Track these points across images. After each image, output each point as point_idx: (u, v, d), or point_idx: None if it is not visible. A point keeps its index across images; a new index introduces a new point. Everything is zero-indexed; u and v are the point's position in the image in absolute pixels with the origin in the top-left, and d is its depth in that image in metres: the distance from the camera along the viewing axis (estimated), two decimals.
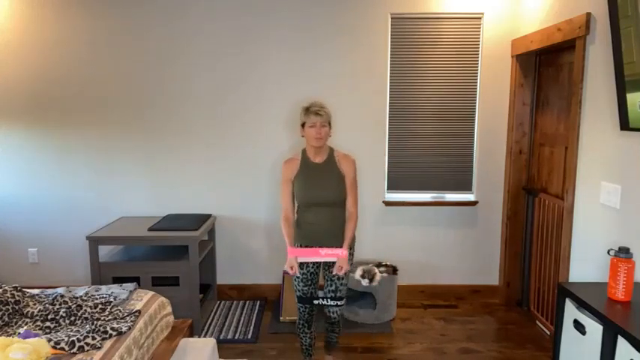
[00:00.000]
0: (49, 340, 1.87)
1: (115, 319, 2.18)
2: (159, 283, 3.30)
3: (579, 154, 2.74)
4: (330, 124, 2.53)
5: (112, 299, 2.37)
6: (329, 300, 2.59)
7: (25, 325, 2.14)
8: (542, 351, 3.15)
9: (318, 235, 2.57)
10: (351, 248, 2.63)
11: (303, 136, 2.55)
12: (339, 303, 2.61)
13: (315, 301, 2.62)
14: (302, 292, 2.63)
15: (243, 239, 3.95)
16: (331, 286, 2.60)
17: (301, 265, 2.59)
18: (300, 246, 2.60)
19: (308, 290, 2.63)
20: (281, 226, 2.59)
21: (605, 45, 2.46)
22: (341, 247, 2.53)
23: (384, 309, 3.54)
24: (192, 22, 3.70)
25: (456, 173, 3.86)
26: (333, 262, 2.55)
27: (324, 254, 2.46)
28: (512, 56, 3.67)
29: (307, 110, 2.50)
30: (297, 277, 2.60)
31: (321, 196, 2.52)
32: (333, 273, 2.52)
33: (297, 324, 2.74)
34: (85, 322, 2.15)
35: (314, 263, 2.62)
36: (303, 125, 2.53)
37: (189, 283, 3.30)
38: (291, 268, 2.47)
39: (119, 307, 2.30)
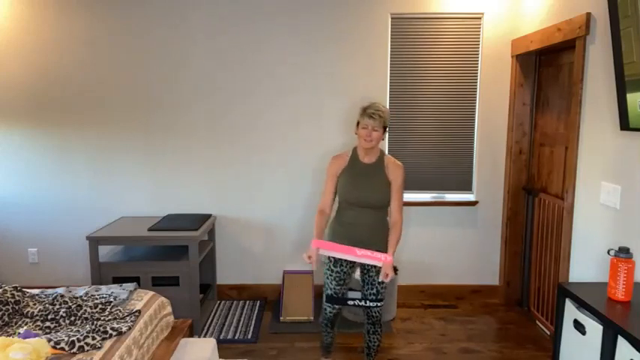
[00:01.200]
0: (49, 340, 1.87)
1: (115, 319, 2.18)
2: (159, 283, 3.30)
3: (579, 154, 2.75)
4: (385, 128, 2.52)
5: (112, 299, 2.37)
6: (368, 302, 2.54)
7: (25, 325, 2.14)
8: (542, 351, 3.15)
9: (360, 236, 2.54)
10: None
11: (356, 134, 2.54)
12: (378, 304, 2.57)
13: (350, 303, 2.55)
14: (334, 290, 2.59)
15: (243, 239, 3.95)
16: (372, 289, 2.57)
17: (336, 262, 2.56)
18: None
19: (340, 290, 2.60)
20: (315, 217, 2.57)
21: (605, 45, 2.46)
22: (380, 251, 2.47)
23: (384, 309, 3.54)
24: (193, 23, 3.70)
25: (456, 173, 3.86)
26: (372, 266, 2.52)
27: (360, 254, 2.39)
28: (512, 56, 3.67)
29: (364, 111, 2.49)
30: (330, 275, 2.57)
31: (364, 196, 2.50)
32: (380, 280, 2.45)
33: (320, 322, 2.72)
34: (85, 322, 2.15)
35: (349, 263, 2.58)
36: (358, 124, 2.53)
37: (189, 283, 3.30)
38: (309, 257, 2.41)
39: (119, 307, 2.30)
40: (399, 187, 2.54)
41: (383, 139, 2.56)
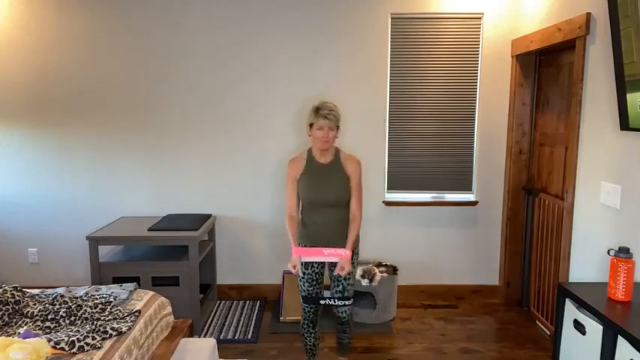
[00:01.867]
0: (49, 340, 1.87)
1: (115, 319, 2.18)
2: (159, 283, 3.30)
3: (579, 154, 2.75)
4: (338, 127, 2.49)
5: (112, 299, 2.37)
6: (336, 300, 2.57)
7: (25, 325, 2.14)
8: (542, 351, 3.15)
9: (324, 236, 2.56)
10: (355, 249, 2.61)
11: (310, 136, 2.51)
12: (346, 302, 2.58)
13: (322, 302, 2.60)
14: (307, 292, 2.62)
15: (243, 239, 3.95)
16: (338, 286, 2.59)
17: (306, 265, 2.58)
18: (305, 246, 2.59)
19: (313, 290, 2.62)
20: (285, 225, 2.58)
21: (605, 45, 2.46)
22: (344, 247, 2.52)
23: (384, 309, 3.54)
24: (193, 23, 3.70)
25: (456, 173, 3.86)
26: (336, 265, 2.54)
27: (327, 254, 2.45)
28: (512, 56, 3.67)
29: (317, 112, 2.43)
30: (302, 278, 2.59)
31: (325, 196, 2.51)
32: (335, 273, 2.51)
33: (301, 324, 2.73)
34: (85, 322, 2.15)
35: (319, 263, 2.61)
36: (311, 125, 2.47)
37: (189, 283, 3.30)
38: (294, 267, 2.44)
39: (119, 307, 2.30)
40: (357, 182, 2.55)
41: (337, 137, 2.51)
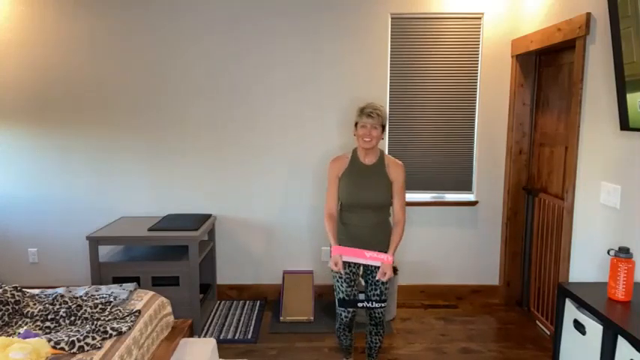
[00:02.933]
0: (49, 340, 1.87)
1: (115, 319, 2.18)
2: (159, 283, 3.30)
3: (579, 154, 2.75)
4: (383, 127, 2.51)
5: (112, 299, 2.37)
6: (374, 303, 2.53)
7: (25, 325, 2.14)
8: (542, 351, 3.15)
9: (363, 238, 2.54)
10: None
11: (355, 135, 2.54)
12: (383, 305, 2.56)
13: (360, 304, 2.54)
14: (346, 293, 2.57)
15: (243, 239, 3.95)
16: (376, 290, 2.58)
17: (345, 265, 2.55)
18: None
19: (351, 292, 2.59)
20: (324, 223, 2.56)
21: (605, 45, 2.46)
22: (385, 252, 2.49)
23: (385, 309, 3.53)
24: (194, 23, 3.70)
25: (456, 173, 3.86)
26: (376, 267, 2.53)
27: (368, 257, 2.41)
28: (512, 56, 3.67)
29: (361, 111, 2.49)
30: (341, 278, 2.56)
31: (366, 197, 2.50)
32: (377, 278, 2.46)
33: (337, 328, 2.69)
34: (85, 322, 2.15)
35: (356, 264, 2.58)
36: (356, 125, 2.52)
37: (189, 283, 3.30)
38: (336, 264, 2.41)
39: (119, 307, 2.30)
40: (401, 187, 2.54)
41: (382, 139, 2.56)
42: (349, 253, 2.42)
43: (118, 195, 3.89)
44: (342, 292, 2.57)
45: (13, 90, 3.77)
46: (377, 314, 2.62)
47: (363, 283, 2.75)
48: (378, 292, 2.58)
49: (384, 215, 2.57)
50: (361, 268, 2.66)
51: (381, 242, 2.55)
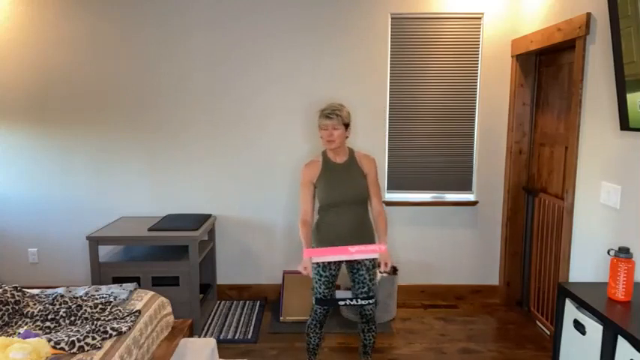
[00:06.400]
0: (49, 340, 1.87)
1: (115, 319, 2.18)
2: (159, 283, 3.30)
3: (579, 154, 2.75)
4: (346, 125, 2.53)
5: (112, 299, 2.37)
6: (359, 300, 2.54)
7: (25, 325, 2.14)
8: (542, 351, 3.15)
9: (342, 235, 2.55)
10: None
11: (321, 138, 2.56)
12: (370, 301, 2.57)
13: (342, 303, 2.54)
14: (323, 294, 2.59)
15: (243, 239, 3.95)
16: (363, 287, 2.58)
17: (324, 267, 2.56)
18: (317, 247, 2.56)
19: (329, 293, 2.61)
20: (298, 229, 2.57)
21: (605, 45, 2.46)
22: (370, 243, 2.51)
23: (384, 309, 3.54)
24: (194, 23, 3.70)
25: (456, 173, 3.86)
26: (362, 264, 2.54)
27: (354, 251, 2.39)
28: (512, 56, 3.67)
29: (321, 113, 2.53)
30: (319, 280, 2.57)
31: (346, 194, 2.53)
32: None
33: (308, 324, 2.70)
34: (85, 322, 2.15)
35: (336, 266, 2.59)
36: (320, 127, 2.55)
37: (189, 283, 3.30)
38: (305, 268, 2.42)
39: (119, 307, 2.30)
40: (374, 179, 2.62)
41: (347, 137, 2.59)
42: (330, 252, 2.41)
43: (118, 195, 3.89)
44: (320, 292, 2.60)
45: (13, 90, 3.77)
46: (367, 312, 2.64)
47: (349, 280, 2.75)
48: (365, 289, 2.58)
49: (364, 210, 2.60)
50: (341, 268, 2.66)
51: (364, 236, 2.58)
